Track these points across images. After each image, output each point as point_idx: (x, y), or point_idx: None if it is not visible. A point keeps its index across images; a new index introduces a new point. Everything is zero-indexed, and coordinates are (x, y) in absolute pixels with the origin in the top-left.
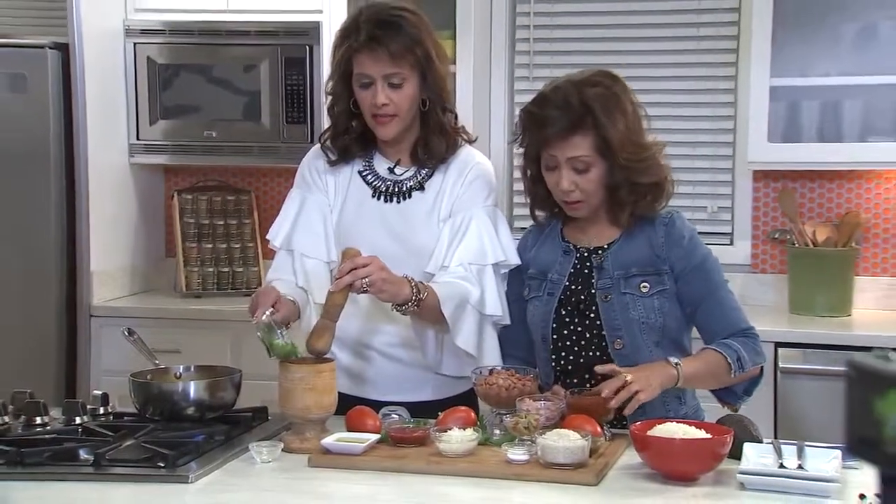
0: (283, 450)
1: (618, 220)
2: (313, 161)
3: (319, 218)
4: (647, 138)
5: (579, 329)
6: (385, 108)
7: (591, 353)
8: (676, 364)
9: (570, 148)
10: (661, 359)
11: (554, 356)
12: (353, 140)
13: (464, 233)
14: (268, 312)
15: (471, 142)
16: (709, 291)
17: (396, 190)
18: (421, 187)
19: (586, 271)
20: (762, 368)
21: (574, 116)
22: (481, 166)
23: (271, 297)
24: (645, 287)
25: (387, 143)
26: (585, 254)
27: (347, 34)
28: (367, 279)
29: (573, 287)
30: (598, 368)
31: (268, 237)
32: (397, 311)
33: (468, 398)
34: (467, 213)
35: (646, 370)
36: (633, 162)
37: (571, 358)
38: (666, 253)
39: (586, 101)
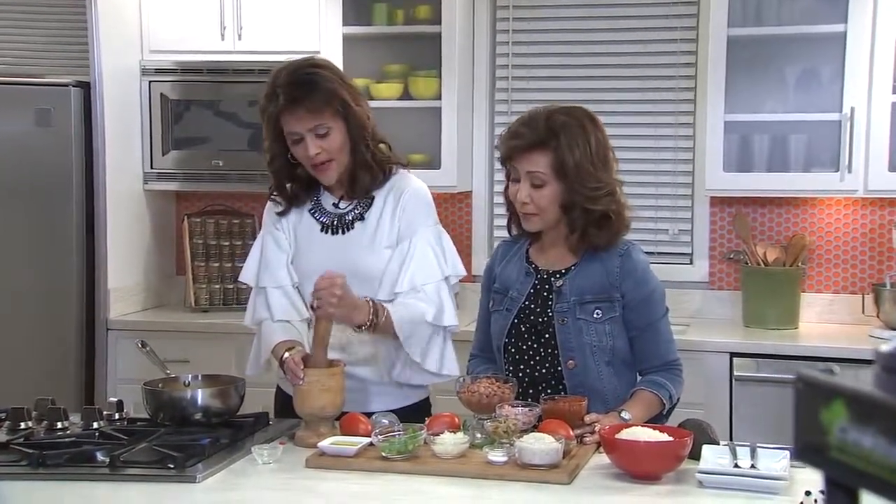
0: (298, 445)
1: (572, 244)
2: (271, 208)
3: (278, 249)
4: (608, 174)
5: (534, 346)
6: (318, 156)
7: (543, 370)
8: (628, 419)
9: (529, 163)
10: (615, 413)
11: (510, 368)
12: (300, 188)
13: (412, 256)
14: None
15: (405, 165)
16: (649, 322)
17: (340, 223)
18: (361, 218)
19: (545, 293)
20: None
21: (538, 135)
22: (416, 191)
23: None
24: (598, 313)
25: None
26: (545, 276)
27: (269, 100)
28: (315, 301)
29: (531, 307)
30: (587, 418)
31: (240, 278)
32: (355, 331)
33: (422, 408)
34: (412, 237)
35: (608, 420)
36: (585, 188)
37: (528, 371)
38: (620, 282)
39: (552, 125)
